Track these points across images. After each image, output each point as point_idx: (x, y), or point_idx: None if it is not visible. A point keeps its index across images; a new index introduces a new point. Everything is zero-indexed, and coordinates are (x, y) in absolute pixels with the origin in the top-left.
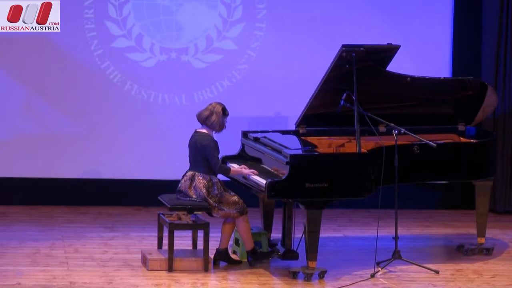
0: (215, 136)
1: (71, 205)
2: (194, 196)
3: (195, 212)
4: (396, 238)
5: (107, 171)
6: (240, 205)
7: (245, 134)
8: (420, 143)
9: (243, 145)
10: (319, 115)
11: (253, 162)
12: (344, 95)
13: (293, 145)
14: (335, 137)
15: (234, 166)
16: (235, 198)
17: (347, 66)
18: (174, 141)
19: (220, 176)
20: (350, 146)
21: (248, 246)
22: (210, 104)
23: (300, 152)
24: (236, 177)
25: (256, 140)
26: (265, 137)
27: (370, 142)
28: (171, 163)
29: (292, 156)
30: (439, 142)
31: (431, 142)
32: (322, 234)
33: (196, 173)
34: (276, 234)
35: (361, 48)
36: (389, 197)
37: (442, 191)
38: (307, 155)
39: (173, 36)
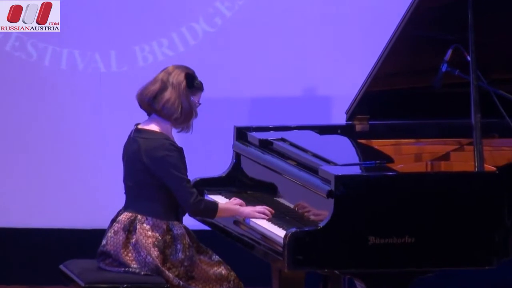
0: (178, 138)
1: None
2: (135, 264)
3: None
4: None
5: None
6: (232, 283)
7: (242, 134)
8: None
9: (237, 156)
10: (395, 95)
11: (257, 191)
12: (449, 52)
13: (341, 156)
14: (429, 140)
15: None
16: (221, 268)
17: None
18: (92, 149)
19: (189, 221)
20: (460, 158)
21: None
22: (164, 70)
23: (357, 171)
24: (225, 224)
25: (265, 146)
26: (283, 139)
27: (503, 152)
28: (86, 197)
29: (339, 178)
30: None
31: None
32: None
33: (139, 216)
34: None
35: None
36: None
37: None
38: (372, 178)
39: None
